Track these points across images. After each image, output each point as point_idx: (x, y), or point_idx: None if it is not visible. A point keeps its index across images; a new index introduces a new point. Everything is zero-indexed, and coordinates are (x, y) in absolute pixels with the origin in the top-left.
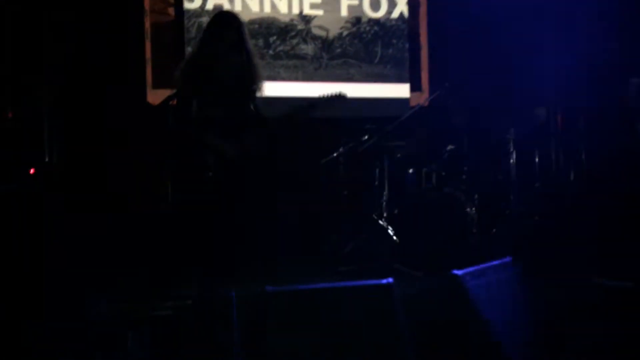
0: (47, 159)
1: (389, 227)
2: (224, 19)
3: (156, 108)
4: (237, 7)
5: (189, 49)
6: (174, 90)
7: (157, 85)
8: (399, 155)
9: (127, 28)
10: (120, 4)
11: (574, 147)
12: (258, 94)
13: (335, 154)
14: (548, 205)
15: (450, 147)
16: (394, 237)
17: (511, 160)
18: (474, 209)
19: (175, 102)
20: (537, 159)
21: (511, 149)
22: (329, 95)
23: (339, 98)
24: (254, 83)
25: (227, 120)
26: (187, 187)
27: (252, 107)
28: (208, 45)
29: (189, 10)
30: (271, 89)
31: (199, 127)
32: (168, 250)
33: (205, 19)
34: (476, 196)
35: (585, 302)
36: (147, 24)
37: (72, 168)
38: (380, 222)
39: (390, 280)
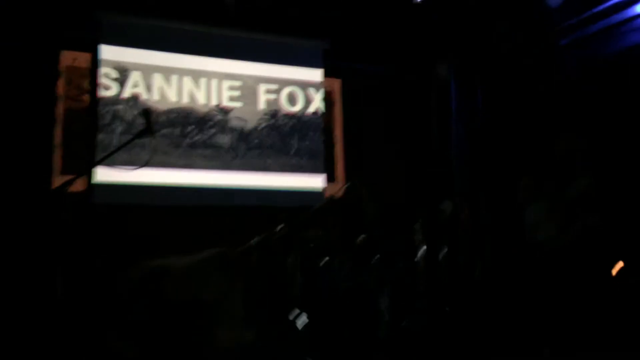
0: None
1: (302, 318)
2: None
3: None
4: (155, 97)
5: (100, 136)
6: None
7: (65, 171)
8: (312, 244)
9: (39, 113)
10: (32, 88)
11: (480, 240)
12: None
13: (249, 244)
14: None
15: (362, 236)
16: (307, 328)
17: (420, 252)
18: (385, 299)
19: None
20: (445, 251)
21: (419, 241)
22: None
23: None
24: None
25: None
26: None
27: None
28: None
29: (104, 98)
30: (187, 177)
31: None
32: None
33: (121, 107)
34: (388, 286)
35: None
36: (60, 110)
37: None
38: (294, 312)
39: None
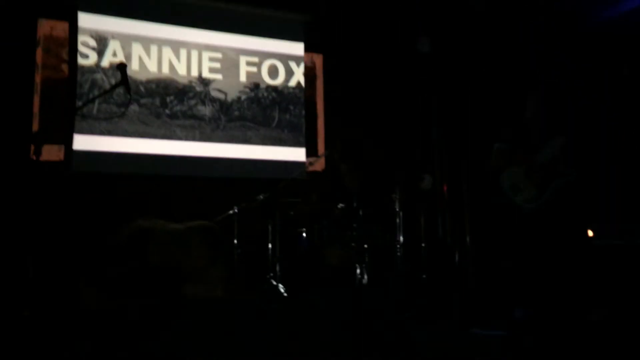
0: None
1: (280, 285)
2: None
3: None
4: (135, 67)
5: (79, 103)
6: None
7: (42, 140)
8: (291, 212)
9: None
10: (10, 58)
11: (459, 211)
12: None
13: (229, 212)
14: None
15: (340, 205)
16: (285, 295)
17: (397, 220)
18: (364, 266)
19: None
20: (422, 222)
21: (397, 209)
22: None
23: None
24: None
25: None
26: None
27: None
28: None
29: (83, 67)
30: (167, 147)
31: None
32: None
33: (99, 76)
34: (366, 255)
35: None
36: (38, 79)
37: None
38: (273, 281)
39: None
